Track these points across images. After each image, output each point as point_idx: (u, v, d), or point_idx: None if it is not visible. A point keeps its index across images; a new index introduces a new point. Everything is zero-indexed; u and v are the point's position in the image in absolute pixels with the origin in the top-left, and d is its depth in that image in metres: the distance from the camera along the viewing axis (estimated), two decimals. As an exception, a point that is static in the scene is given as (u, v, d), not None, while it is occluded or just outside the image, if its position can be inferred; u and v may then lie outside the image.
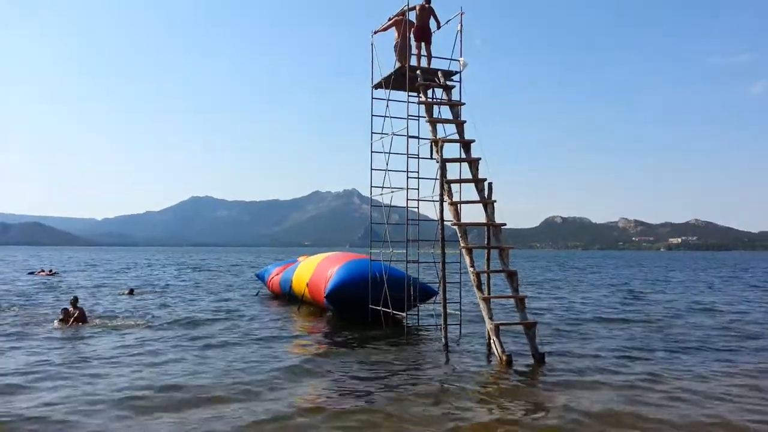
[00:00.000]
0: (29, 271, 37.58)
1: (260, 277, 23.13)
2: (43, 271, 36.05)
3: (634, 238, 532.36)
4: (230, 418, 6.44)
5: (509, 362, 9.12)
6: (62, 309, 13.76)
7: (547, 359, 9.47)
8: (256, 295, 21.47)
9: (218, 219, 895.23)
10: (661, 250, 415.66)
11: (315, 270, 15.89)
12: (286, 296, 18.33)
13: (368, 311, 12.96)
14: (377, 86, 12.79)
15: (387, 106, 12.42)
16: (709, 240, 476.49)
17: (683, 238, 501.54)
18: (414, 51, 12.02)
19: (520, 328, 10.07)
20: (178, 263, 59.21)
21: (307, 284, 15.75)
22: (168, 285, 27.18)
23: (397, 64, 12.11)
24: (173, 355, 10.02)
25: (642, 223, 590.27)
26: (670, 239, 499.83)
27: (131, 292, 20.99)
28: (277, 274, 20.01)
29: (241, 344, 11.11)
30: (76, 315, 13.20)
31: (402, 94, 12.28)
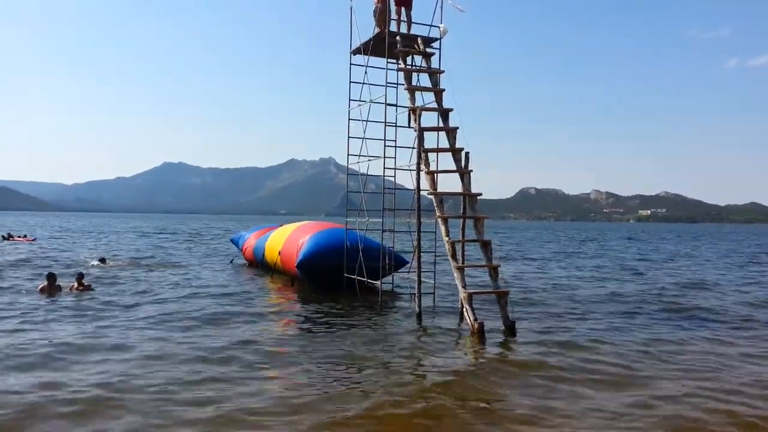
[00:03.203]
0: (2, 234, 35.98)
1: (234, 242, 22.91)
2: (17, 236, 34.60)
3: (605, 210, 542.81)
4: (197, 381, 6.45)
5: (480, 330, 9.26)
6: (47, 274, 13.37)
7: (517, 327, 9.63)
8: (231, 262, 21.31)
9: (192, 186, 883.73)
10: (631, 221, 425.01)
11: (287, 239, 15.86)
12: (260, 264, 18.27)
13: (340, 280, 13.00)
14: (356, 52, 12.57)
15: (365, 72, 12.25)
16: (677, 212, 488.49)
17: (653, 210, 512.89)
18: (394, 16, 11.81)
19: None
20: (150, 230, 58.41)
21: (279, 253, 15.72)
22: (140, 253, 26.82)
23: (377, 30, 11.90)
24: (140, 324, 9.94)
25: (613, 195, 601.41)
26: (640, 211, 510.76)
27: (102, 261, 20.03)
28: (252, 242, 19.85)
29: (206, 311, 11.02)
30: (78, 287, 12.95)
31: (381, 61, 12.10)
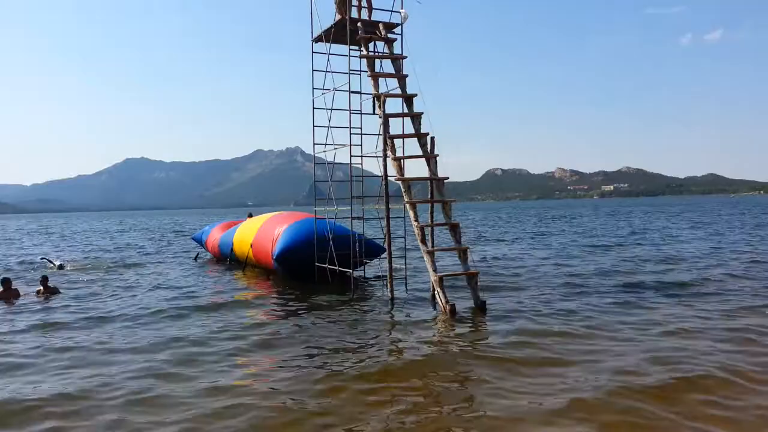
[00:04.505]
0: None
1: (197, 240, 22.22)
2: None
3: (569, 187, 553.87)
4: (172, 381, 6.42)
5: (452, 311, 9.42)
6: (1, 279, 12.41)
7: (488, 307, 9.81)
8: (195, 259, 20.87)
9: (156, 181, 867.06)
10: (595, 197, 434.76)
11: (259, 231, 15.61)
12: (226, 259, 17.96)
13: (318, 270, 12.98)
14: (317, 40, 12.48)
15: (328, 60, 12.17)
16: (639, 186, 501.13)
17: (615, 185, 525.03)
18: (354, 2, 11.75)
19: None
20: (116, 228, 57.20)
21: (251, 245, 15.51)
22: (104, 254, 26.24)
23: (338, 16, 11.83)
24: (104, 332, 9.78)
25: (577, 172, 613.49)
26: (603, 187, 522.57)
27: (60, 267, 18.35)
28: (216, 236, 19.37)
29: (181, 311, 10.69)
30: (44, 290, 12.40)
31: (343, 48, 12.06)
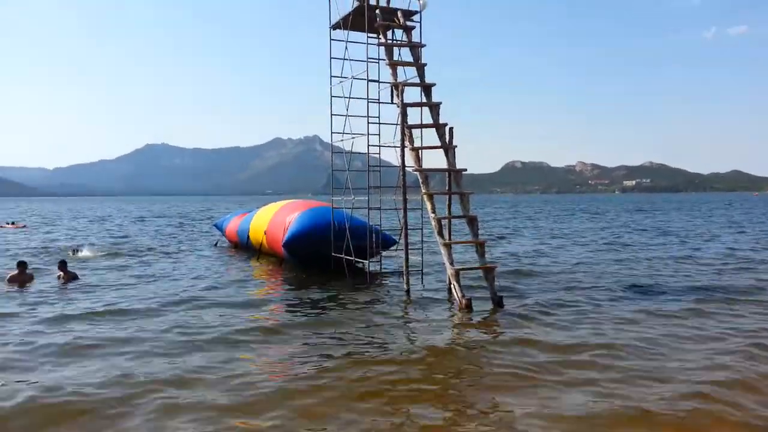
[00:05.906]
0: None
1: (218, 227, 22.48)
2: (6, 223, 33.37)
3: (590, 182, 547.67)
4: (186, 376, 6.35)
5: (469, 306, 9.23)
6: (18, 262, 12.52)
7: (505, 302, 9.61)
8: (215, 245, 20.99)
9: (176, 167, 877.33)
10: (616, 192, 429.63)
11: (273, 218, 15.57)
12: (244, 246, 17.97)
13: (326, 261, 12.89)
14: (335, 27, 12.28)
15: (346, 48, 11.98)
16: (661, 182, 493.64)
17: (637, 180, 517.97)
18: (373, -11, 11.52)
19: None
20: (138, 214, 57.81)
21: (265, 233, 15.47)
22: (123, 240, 26.42)
23: (356, 3, 11.62)
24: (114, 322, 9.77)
25: (598, 167, 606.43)
26: (625, 182, 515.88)
27: (74, 252, 18.15)
28: (235, 224, 19.44)
29: (196, 301, 10.57)
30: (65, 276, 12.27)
31: (361, 36, 11.86)
